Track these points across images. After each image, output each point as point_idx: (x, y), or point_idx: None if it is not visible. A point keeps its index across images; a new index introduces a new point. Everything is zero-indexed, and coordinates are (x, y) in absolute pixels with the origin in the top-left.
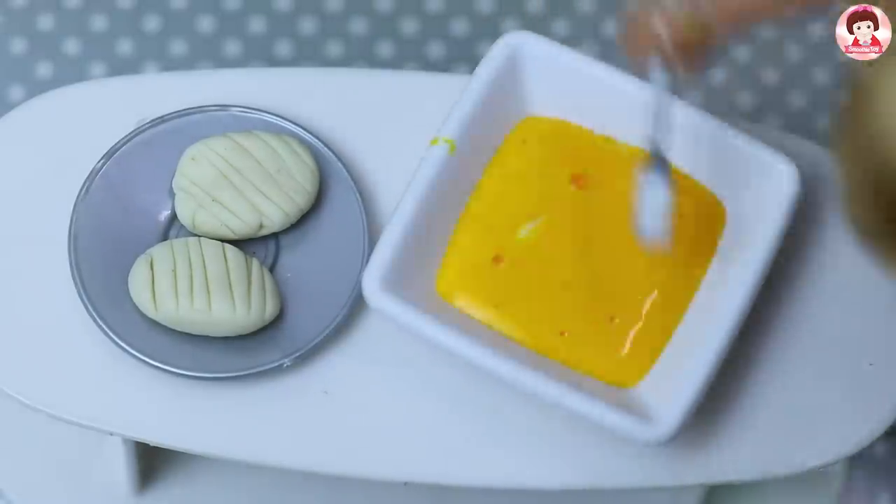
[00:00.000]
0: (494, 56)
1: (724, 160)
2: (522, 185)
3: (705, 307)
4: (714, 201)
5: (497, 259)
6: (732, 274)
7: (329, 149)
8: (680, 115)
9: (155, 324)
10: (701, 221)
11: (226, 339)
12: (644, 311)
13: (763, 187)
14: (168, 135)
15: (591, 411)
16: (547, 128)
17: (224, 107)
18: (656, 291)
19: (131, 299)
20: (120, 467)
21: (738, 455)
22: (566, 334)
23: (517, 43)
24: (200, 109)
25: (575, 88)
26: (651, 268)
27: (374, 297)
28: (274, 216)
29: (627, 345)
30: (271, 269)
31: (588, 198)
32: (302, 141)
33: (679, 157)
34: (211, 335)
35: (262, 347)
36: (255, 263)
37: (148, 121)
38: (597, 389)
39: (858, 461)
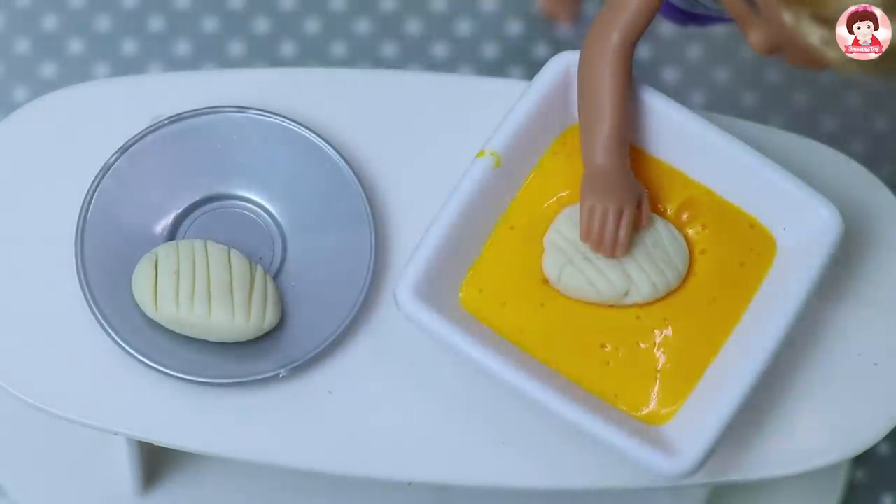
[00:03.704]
0: (548, 73)
1: (771, 195)
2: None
3: (739, 346)
4: (766, 234)
5: (542, 279)
6: (768, 317)
7: (342, 157)
8: (727, 148)
9: (156, 324)
10: (752, 257)
11: (224, 344)
12: (682, 349)
13: (806, 227)
14: (182, 134)
15: (615, 441)
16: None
17: (241, 108)
18: (699, 328)
19: (135, 299)
20: (124, 467)
21: (741, 454)
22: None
23: (570, 61)
24: (216, 110)
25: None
26: (697, 303)
27: (408, 307)
28: (642, 286)
29: (659, 380)
30: (276, 276)
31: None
32: (316, 149)
33: (727, 190)
34: (209, 339)
35: (260, 355)
36: (259, 270)
37: (163, 118)
38: (623, 421)
39: (862, 461)
